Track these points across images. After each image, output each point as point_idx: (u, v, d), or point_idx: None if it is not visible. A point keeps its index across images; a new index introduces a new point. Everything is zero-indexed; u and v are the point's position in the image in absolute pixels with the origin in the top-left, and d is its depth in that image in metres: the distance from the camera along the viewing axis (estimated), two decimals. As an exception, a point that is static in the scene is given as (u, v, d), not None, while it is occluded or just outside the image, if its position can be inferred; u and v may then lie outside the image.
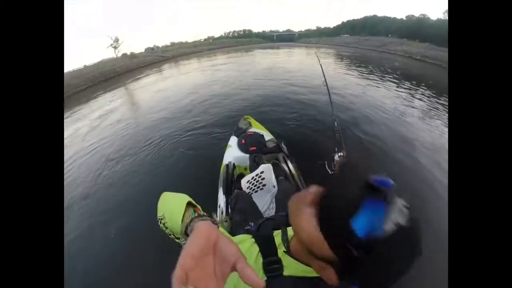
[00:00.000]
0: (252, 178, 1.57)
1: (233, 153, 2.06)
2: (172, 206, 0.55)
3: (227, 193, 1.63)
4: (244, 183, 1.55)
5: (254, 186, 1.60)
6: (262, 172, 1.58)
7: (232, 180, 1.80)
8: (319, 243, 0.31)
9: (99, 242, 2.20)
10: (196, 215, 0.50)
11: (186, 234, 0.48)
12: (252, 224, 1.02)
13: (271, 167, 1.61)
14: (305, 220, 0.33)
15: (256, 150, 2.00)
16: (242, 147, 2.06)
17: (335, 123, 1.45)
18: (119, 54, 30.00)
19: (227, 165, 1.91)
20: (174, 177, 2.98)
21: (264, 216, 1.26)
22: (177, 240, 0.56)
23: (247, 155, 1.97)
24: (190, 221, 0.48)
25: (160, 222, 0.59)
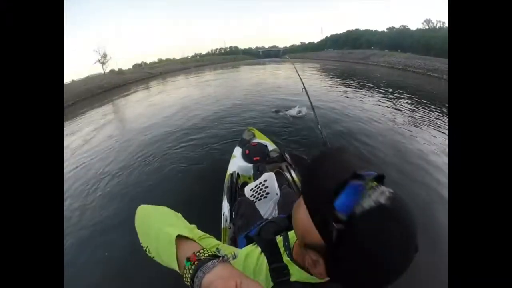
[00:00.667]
0: (255, 186, 1.61)
1: (237, 163, 2.13)
2: (158, 243, 0.42)
3: (231, 201, 1.67)
4: (247, 190, 1.59)
5: (258, 194, 1.64)
6: (265, 181, 1.63)
7: (237, 188, 1.85)
8: (310, 229, 0.33)
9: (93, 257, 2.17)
10: (195, 265, 0.34)
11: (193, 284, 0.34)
12: (253, 228, 1.03)
13: (274, 175, 1.65)
14: (300, 212, 0.36)
15: (260, 159, 2.06)
16: (246, 157, 2.13)
17: (319, 125, 1.52)
18: (107, 70, 29.81)
19: (231, 175, 1.96)
20: (168, 190, 2.99)
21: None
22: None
23: (251, 165, 2.04)
24: (192, 277, 0.34)
25: (146, 251, 0.45)
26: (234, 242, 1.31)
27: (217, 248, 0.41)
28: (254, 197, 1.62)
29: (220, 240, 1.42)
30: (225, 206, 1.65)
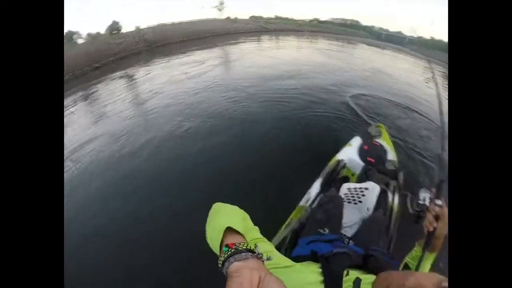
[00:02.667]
0: (354, 189, 1.47)
1: (350, 153, 1.94)
2: (212, 230, 0.50)
3: (323, 186, 1.59)
4: (344, 188, 1.48)
5: (351, 197, 1.47)
6: (366, 189, 1.44)
7: (335, 177, 1.72)
8: None
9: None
10: (230, 252, 0.40)
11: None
12: (327, 231, 1.01)
13: (379, 190, 1.46)
14: None
15: (373, 163, 1.82)
16: (362, 152, 1.92)
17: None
18: (223, 17, 30.08)
19: (338, 161, 1.81)
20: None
21: (343, 230, 1.20)
22: None
23: (362, 164, 1.83)
24: (224, 260, 0.39)
25: (207, 239, 0.54)
26: (295, 234, 1.25)
27: (255, 245, 0.44)
28: (346, 196, 1.47)
29: (287, 216, 1.43)
30: (315, 188, 1.57)
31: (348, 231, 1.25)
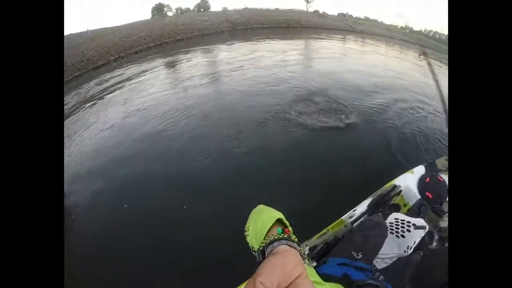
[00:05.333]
0: (401, 220, 1.33)
1: (409, 181, 1.78)
2: (260, 219, 0.51)
3: (371, 207, 1.52)
4: (392, 217, 1.35)
5: (396, 228, 1.34)
6: (414, 225, 1.30)
7: (386, 202, 1.62)
8: None
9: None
10: (284, 235, 0.42)
11: (263, 252, 0.42)
12: (360, 256, 0.97)
13: (426, 231, 1.32)
14: None
15: (430, 199, 1.66)
16: (422, 184, 1.74)
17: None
18: (311, 9, 30.54)
19: (395, 186, 1.68)
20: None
21: (375, 260, 1.14)
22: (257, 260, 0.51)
23: (418, 196, 1.68)
24: (274, 240, 0.41)
25: (246, 234, 0.55)
26: (326, 247, 1.22)
27: (306, 244, 0.47)
28: (390, 226, 1.35)
29: (324, 227, 1.40)
30: (362, 206, 1.50)
31: (380, 264, 1.19)
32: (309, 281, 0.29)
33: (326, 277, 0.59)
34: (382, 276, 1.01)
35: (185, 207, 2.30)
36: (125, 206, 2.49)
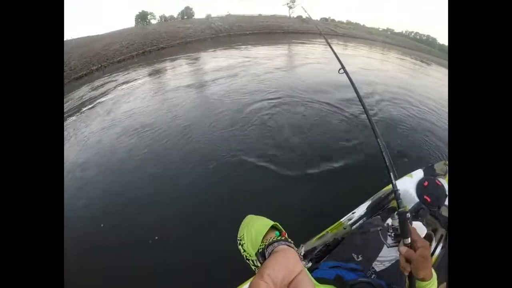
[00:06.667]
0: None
1: (408, 186, 1.80)
2: (255, 226, 0.52)
3: (369, 210, 1.54)
4: (390, 220, 1.34)
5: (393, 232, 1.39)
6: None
7: (385, 205, 1.64)
8: None
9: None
10: (281, 238, 0.44)
11: (263, 255, 0.44)
12: (360, 258, 0.99)
13: (424, 234, 1.32)
14: None
15: (429, 203, 1.67)
16: (420, 188, 1.76)
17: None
18: (293, 15, 31.24)
19: (395, 191, 1.71)
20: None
21: (374, 263, 1.12)
22: (252, 267, 0.52)
23: (417, 200, 1.69)
24: (273, 242, 0.43)
25: (239, 244, 0.56)
26: (326, 248, 1.23)
27: (301, 245, 0.49)
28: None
29: (324, 229, 1.43)
30: (361, 209, 1.51)
31: (379, 266, 1.18)
32: (309, 278, 0.31)
33: (319, 281, 0.61)
34: (374, 275, 1.03)
35: (156, 237, 2.23)
36: (102, 225, 2.46)
